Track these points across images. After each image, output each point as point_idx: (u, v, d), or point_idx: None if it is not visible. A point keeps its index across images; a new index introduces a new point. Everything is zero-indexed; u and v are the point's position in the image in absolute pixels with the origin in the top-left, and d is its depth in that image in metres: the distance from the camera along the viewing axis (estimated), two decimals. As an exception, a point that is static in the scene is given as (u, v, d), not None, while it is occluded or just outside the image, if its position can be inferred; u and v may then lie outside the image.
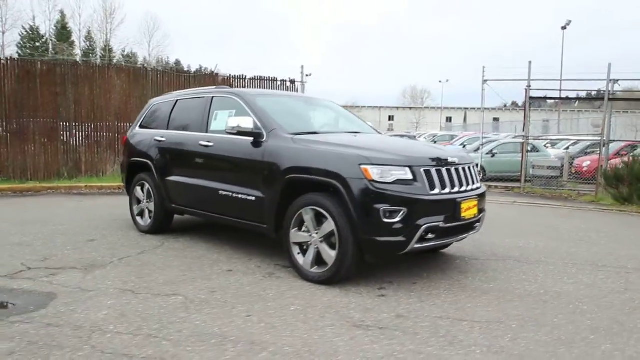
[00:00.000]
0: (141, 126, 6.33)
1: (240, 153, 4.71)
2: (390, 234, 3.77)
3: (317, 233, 4.08)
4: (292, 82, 15.11)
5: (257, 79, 14.52)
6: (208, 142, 5.07)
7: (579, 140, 17.20)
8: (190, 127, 5.48)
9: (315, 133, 4.68)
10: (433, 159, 4.08)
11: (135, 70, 13.58)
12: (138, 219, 6.12)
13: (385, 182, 3.79)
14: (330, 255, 3.97)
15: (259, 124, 4.60)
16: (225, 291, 3.89)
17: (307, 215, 4.11)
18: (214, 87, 5.57)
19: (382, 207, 3.74)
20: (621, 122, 19.67)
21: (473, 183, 4.35)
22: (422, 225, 3.83)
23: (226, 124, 4.68)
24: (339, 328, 3.18)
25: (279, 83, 14.86)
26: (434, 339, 3.04)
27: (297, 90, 15.09)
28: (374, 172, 3.80)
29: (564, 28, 40.36)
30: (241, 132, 4.60)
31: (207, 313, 3.41)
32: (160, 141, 5.74)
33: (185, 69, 13.26)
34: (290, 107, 5.25)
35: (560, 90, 13.64)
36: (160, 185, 5.67)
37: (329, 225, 3.96)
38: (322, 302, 3.66)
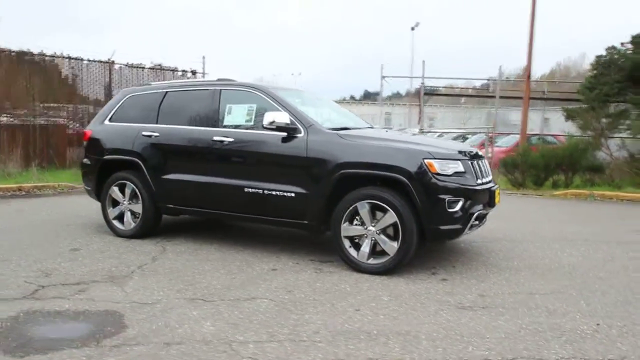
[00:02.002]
0: (112, 120, 5.68)
1: (273, 149, 4.59)
2: (452, 222, 4.10)
3: (373, 225, 4.22)
4: (194, 72, 14.48)
5: (157, 69, 13.61)
6: (225, 137, 4.82)
7: (466, 133, 19.26)
8: (193, 121, 5.11)
9: (347, 128, 4.76)
10: (469, 153, 4.49)
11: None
12: (116, 222, 5.53)
13: (446, 174, 4.09)
14: (392, 246, 4.15)
15: (294, 119, 4.54)
16: (300, 289, 3.85)
17: (363, 209, 4.22)
18: (214, 79, 5.26)
19: (447, 197, 4.05)
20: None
21: (489, 174, 4.86)
22: (474, 213, 4.23)
23: (264, 119, 4.50)
24: (447, 312, 3.41)
25: (179, 73, 14.11)
26: (533, 311, 3.44)
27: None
28: (437, 166, 4.07)
29: (412, 29, 44.61)
30: (279, 128, 4.49)
31: (314, 312, 3.37)
32: (151, 136, 5.25)
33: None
34: (304, 101, 5.21)
35: (420, 84, 15.24)
36: (153, 184, 5.20)
37: (390, 218, 4.13)
38: (405, 290, 3.84)
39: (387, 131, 5.09)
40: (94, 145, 5.70)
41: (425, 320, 3.25)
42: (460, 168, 4.19)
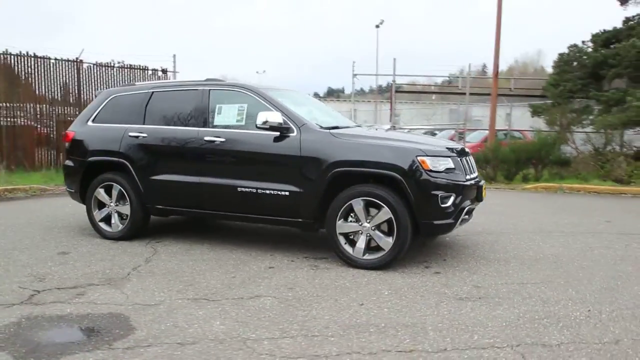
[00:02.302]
0: (95, 121, 5.58)
1: (266, 148, 4.63)
2: (444, 217, 4.24)
3: (368, 222, 4.32)
4: (164, 71, 14.24)
5: (127, 68, 13.33)
6: (217, 137, 4.82)
7: (434, 129, 19.63)
8: (182, 121, 5.09)
9: (337, 127, 4.84)
10: (457, 150, 4.65)
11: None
12: (102, 225, 5.45)
13: (437, 171, 4.23)
14: (387, 241, 4.26)
15: (287, 119, 4.59)
16: (301, 286, 3.91)
17: (358, 206, 4.32)
18: (203, 79, 5.24)
19: (439, 193, 4.18)
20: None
21: (475, 170, 5.04)
22: (464, 208, 4.39)
23: (257, 118, 4.52)
24: (447, 303, 3.54)
25: (150, 72, 13.86)
26: (527, 300, 3.61)
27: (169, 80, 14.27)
28: (429, 163, 4.20)
29: (377, 26, 45.01)
30: (273, 127, 4.53)
31: (320, 308, 3.44)
32: (138, 137, 5.19)
33: None
34: (293, 101, 5.26)
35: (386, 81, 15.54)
36: (141, 185, 5.16)
37: (385, 214, 4.24)
38: (403, 284, 3.96)
39: (376, 129, 5.20)
40: (77, 147, 5.59)
41: (427, 312, 3.37)
42: (451, 164, 4.34)
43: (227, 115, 4.92)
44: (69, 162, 5.71)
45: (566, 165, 11.05)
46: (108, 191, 5.39)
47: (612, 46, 12.54)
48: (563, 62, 14.01)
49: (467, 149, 4.92)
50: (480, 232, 5.85)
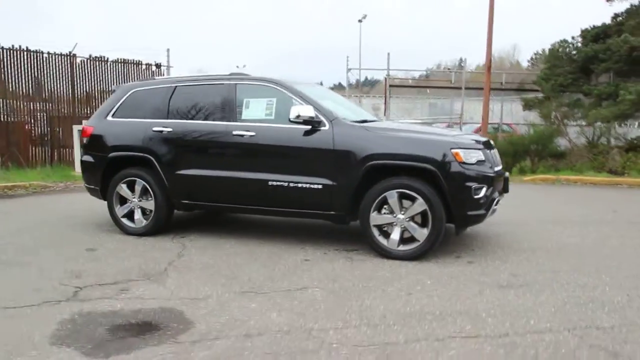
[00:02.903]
0: (115, 115, 5.52)
1: (298, 142, 4.66)
2: (477, 207, 4.34)
3: (402, 214, 4.39)
4: (158, 66, 14.08)
5: (121, 62, 13.13)
6: (247, 131, 4.82)
7: (425, 122, 19.78)
8: (207, 116, 5.08)
9: (366, 121, 4.89)
10: (484, 143, 4.75)
11: None
12: (125, 220, 5.41)
13: (470, 163, 4.32)
14: (422, 232, 4.34)
15: (318, 113, 4.62)
16: (343, 278, 3.96)
17: (392, 198, 4.38)
18: (227, 74, 5.22)
19: (473, 185, 4.28)
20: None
21: (500, 162, 5.15)
22: (494, 198, 4.50)
23: (290, 112, 4.55)
24: (490, 291, 3.64)
25: (143, 67, 13.68)
26: (566, 286, 3.73)
27: (163, 74, 14.13)
28: (463, 155, 4.29)
29: (360, 21, 45.13)
30: (305, 121, 4.56)
31: (371, 298, 3.50)
32: (162, 132, 5.16)
33: None
34: (317, 95, 5.28)
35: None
36: (167, 180, 5.13)
37: (420, 206, 4.31)
38: (442, 274, 4.04)
39: (400, 123, 5.28)
40: (96, 142, 5.53)
41: (475, 299, 3.46)
42: (481, 157, 4.44)
43: (255, 109, 4.93)
44: (88, 158, 5.64)
45: (561, 157, 11.33)
46: (130, 187, 5.35)
47: (602, 41, 12.84)
48: (553, 56, 14.32)
49: (492, 142, 5.02)
50: (498, 223, 5.97)
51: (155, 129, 5.19)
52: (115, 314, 3.25)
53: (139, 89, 5.54)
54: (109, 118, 5.53)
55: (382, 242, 4.46)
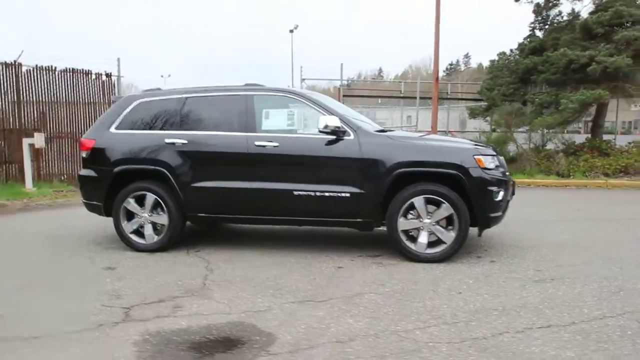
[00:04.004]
0: (120, 127, 5.31)
1: (324, 151, 4.75)
2: (497, 210, 4.67)
3: (429, 218, 4.62)
4: (108, 75, 13.45)
5: (69, 72, 12.43)
6: (269, 141, 4.85)
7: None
8: (224, 127, 5.03)
9: (385, 130, 5.09)
10: (495, 149, 5.10)
11: None
12: (133, 236, 5.20)
13: (490, 168, 4.64)
14: (449, 235, 4.59)
15: (342, 123, 4.74)
16: (388, 282, 4.10)
17: (419, 204, 4.60)
18: (241, 85, 5.21)
19: (493, 189, 4.60)
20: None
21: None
22: (509, 201, 4.85)
23: (319, 122, 4.63)
24: (530, 286, 3.94)
25: (93, 77, 13.01)
26: (590, 278, 4.11)
27: (114, 85, 13.57)
28: (484, 161, 4.60)
29: (291, 31, 45.62)
30: (333, 131, 4.67)
31: (428, 299, 3.68)
32: (175, 143, 5.04)
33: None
34: (336, 105, 5.38)
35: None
36: (182, 193, 5.02)
37: (446, 210, 4.56)
38: (477, 273, 4.30)
39: (414, 132, 5.53)
40: (99, 155, 5.28)
41: (523, 294, 3.74)
42: (497, 162, 4.78)
43: (276, 120, 4.97)
44: (88, 172, 5.36)
45: (513, 162, 12.16)
46: (139, 201, 5.16)
47: (538, 54, 13.95)
48: (495, 68, 15.36)
49: (497, 149, 5.39)
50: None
51: (168, 140, 5.06)
52: (187, 332, 3.18)
53: (144, 100, 5.37)
54: (113, 130, 5.31)
55: (410, 246, 4.65)
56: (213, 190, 4.98)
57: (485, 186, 4.56)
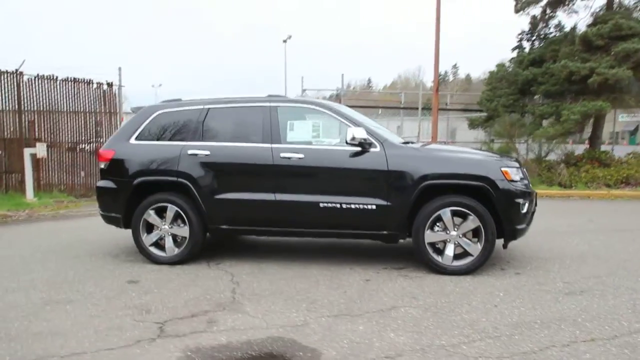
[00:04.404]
0: (139, 138, 5.26)
1: (351, 163, 4.74)
2: (523, 222, 4.68)
3: (455, 230, 4.61)
4: (110, 85, 13.36)
5: (71, 81, 12.33)
6: (295, 153, 4.83)
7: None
8: (247, 138, 5.01)
9: (410, 142, 5.10)
10: (518, 162, 5.13)
11: None
12: (153, 249, 5.14)
13: (515, 180, 4.65)
14: (476, 248, 4.58)
15: (369, 135, 4.74)
16: (419, 295, 4.08)
17: (446, 216, 4.59)
18: (264, 95, 5.18)
19: (520, 201, 4.61)
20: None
21: None
22: (533, 212, 4.86)
23: (347, 134, 4.63)
24: (562, 298, 3.94)
25: (95, 86, 12.92)
26: (618, 290, 4.12)
27: (115, 95, 13.47)
28: (510, 173, 4.61)
29: (284, 41, 45.78)
30: (360, 143, 4.67)
31: (464, 312, 3.66)
32: (198, 154, 5.00)
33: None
34: (359, 117, 5.38)
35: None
36: (204, 205, 4.97)
37: (473, 222, 4.56)
38: (506, 285, 4.30)
39: (439, 144, 5.55)
40: (119, 167, 5.22)
41: (558, 307, 3.74)
42: (521, 174, 4.79)
43: (301, 131, 4.96)
44: (107, 184, 5.30)
45: (515, 172, 12.21)
46: (159, 213, 5.11)
47: (537, 65, 14.11)
48: (494, 79, 15.50)
49: (519, 161, 5.41)
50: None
51: (190, 152, 5.02)
52: (228, 348, 3.14)
53: (164, 110, 5.33)
54: (132, 141, 5.26)
55: (437, 258, 4.64)
56: (237, 202, 4.94)
57: (512, 198, 4.57)
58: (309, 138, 4.94)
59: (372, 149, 4.73)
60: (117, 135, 5.45)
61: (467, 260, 4.61)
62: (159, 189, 5.14)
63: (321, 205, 4.76)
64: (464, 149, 5.36)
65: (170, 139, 5.18)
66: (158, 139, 5.23)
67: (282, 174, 4.86)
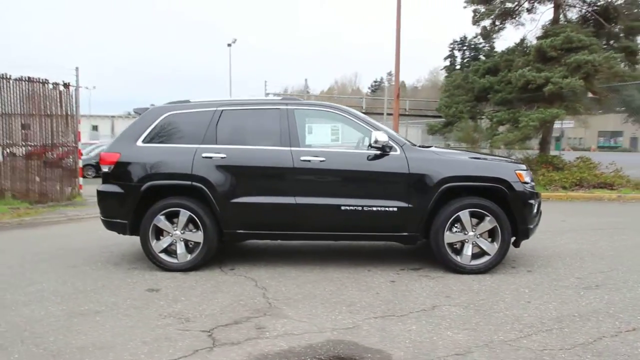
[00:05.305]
0: (147, 141, 5.05)
1: (372, 166, 4.78)
2: (535, 222, 4.92)
3: (473, 231, 4.78)
4: (66, 85, 12.62)
5: (26, 81, 11.56)
6: (315, 156, 4.81)
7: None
8: (265, 141, 4.93)
9: (429, 146, 5.24)
10: (526, 165, 5.38)
11: None
12: (163, 256, 4.94)
13: (527, 182, 4.89)
14: (493, 247, 4.77)
15: (389, 138, 4.81)
16: (450, 295, 4.19)
17: (465, 217, 4.75)
18: (279, 98, 5.14)
19: (532, 201, 4.85)
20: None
21: None
22: (541, 212, 5.13)
23: (371, 138, 4.69)
24: (584, 293, 4.18)
25: (50, 86, 12.16)
26: (629, 284, 4.43)
27: (72, 96, 12.76)
28: (524, 176, 4.85)
29: (229, 45, 45.25)
30: (383, 147, 4.73)
31: (503, 309, 3.81)
32: (213, 157, 4.87)
33: None
34: (374, 121, 5.43)
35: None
36: (220, 209, 4.84)
37: (490, 223, 4.74)
38: (525, 283, 4.50)
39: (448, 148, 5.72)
40: (126, 170, 4.98)
41: (585, 301, 3.97)
42: (531, 176, 5.04)
43: (320, 134, 4.95)
44: (112, 188, 5.03)
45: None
46: (170, 218, 4.92)
47: (492, 74, 14.83)
48: (451, 86, 16.13)
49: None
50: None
51: (205, 155, 4.87)
52: (293, 353, 3.09)
53: (174, 112, 5.14)
54: (140, 144, 5.03)
55: (456, 258, 4.78)
56: (256, 206, 4.85)
57: (526, 199, 4.79)
58: (328, 141, 4.94)
59: (392, 152, 4.81)
60: (122, 138, 5.18)
61: (485, 260, 4.78)
62: (170, 193, 4.95)
63: (342, 208, 4.77)
64: (472, 153, 5.56)
65: (181, 142, 5.01)
66: (168, 142, 5.03)
67: (303, 177, 4.83)
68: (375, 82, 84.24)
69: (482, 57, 16.27)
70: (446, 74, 16.08)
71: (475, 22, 15.14)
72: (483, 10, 14.69)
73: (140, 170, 4.95)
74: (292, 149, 4.86)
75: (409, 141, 5.04)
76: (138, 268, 5.06)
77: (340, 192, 4.82)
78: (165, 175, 4.93)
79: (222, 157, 4.88)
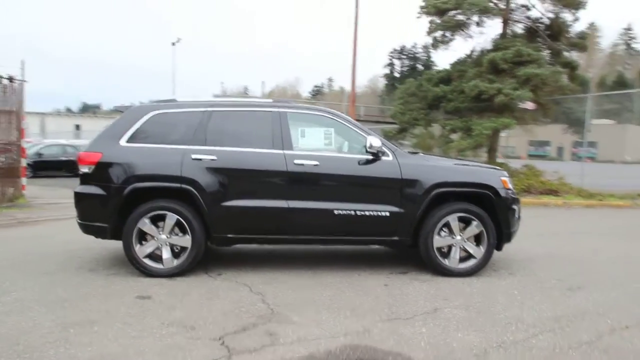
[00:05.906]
0: (132, 140, 4.82)
1: (365, 171, 4.83)
2: (516, 226, 5.15)
3: (460, 235, 4.93)
4: (11, 79, 11.78)
5: (-35, 72, 10.69)
6: (309, 160, 4.78)
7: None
8: (257, 144, 4.84)
9: (417, 152, 5.35)
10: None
11: None
12: (147, 261, 4.73)
13: (510, 188, 5.11)
14: (479, 250, 4.94)
15: (383, 144, 4.87)
16: (447, 297, 4.29)
17: (454, 222, 4.89)
18: (270, 100, 5.05)
19: (515, 207, 5.07)
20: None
21: None
22: (521, 217, 5.37)
23: (366, 143, 4.73)
24: (569, 294, 4.41)
25: (-7, 79, 11.29)
26: (614, 283, 4.73)
27: (14, 90, 11.93)
28: (508, 182, 5.06)
29: (173, 44, 44.19)
30: (376, 152, 4.78)
31: (504, 310, 3.95)
32: (202, 160, 4.72)
33: None
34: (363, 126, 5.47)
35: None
36: (210, 213, 4.71)
37: (477, 227, 4.91)
38: (510, 285, 4.68)
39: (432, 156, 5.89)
40: (108, 171, 4.72)
41: (572, 301, 4.20)
42: (512, 183, 5.27)
43: (313, 138, 4.93)
44: (92, 190, 4.75)
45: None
46: (157, 222, 4.72)
47: (446, 84, 15.37)
48: (405, 94, 16.55)
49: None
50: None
51: (195, 156, 4.71)
52: (314, 359, 3.05)
53: (160, 111, 4.93)
54: (123, 143, 4.79)
55: (444, 262, 4.91)
56: (247, 210, 4.74)
57: (510, 204, 5.00)
58: (321, 145, 4.92)
59: (384, 158, 4.87)
60: (102, 137, 4.91)
61: (472, 263, 4.94)
62: (156, 195, 4.75)
63: (335, 212, 4.77)
64: (460, 160, 5.73)
65: (169, 143, 4.81)
66: (154, 142, 4.82)
67: (296, 181, 4.79)
68: (315, 87, 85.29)
69: (435, 68, 16.77)
70: (386, 82, 16.59)
71: (430, 32, 15.63)
72: (439, 21, 15.19)
73: (124, 172, 4.71)
74: (286, 152, 4.80)
75: (398, 147, 5.13)
76: (118, 274, 4.81)
77: (334, 196, 4.82)
78: (152, 176, 4.72)
79: (212, 159, 4.74)
